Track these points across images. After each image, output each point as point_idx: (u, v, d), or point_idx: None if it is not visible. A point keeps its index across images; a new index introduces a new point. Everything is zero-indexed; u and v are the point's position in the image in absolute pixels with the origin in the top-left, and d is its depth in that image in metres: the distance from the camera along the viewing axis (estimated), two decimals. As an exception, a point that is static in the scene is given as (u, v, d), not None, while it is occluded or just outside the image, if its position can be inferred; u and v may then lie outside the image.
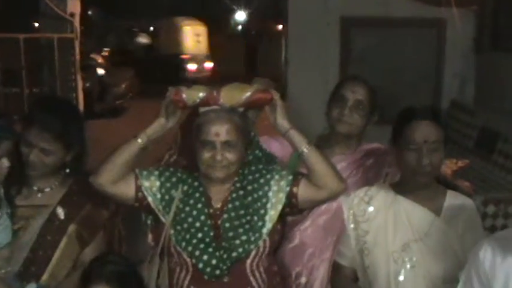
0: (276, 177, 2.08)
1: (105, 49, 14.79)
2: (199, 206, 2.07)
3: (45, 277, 2.16)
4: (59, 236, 2.19)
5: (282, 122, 2.03)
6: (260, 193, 2.07)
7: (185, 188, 2.10)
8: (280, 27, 14.82)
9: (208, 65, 16.80)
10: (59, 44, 6.37)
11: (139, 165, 2.11)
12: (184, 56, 16.12)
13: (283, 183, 2.06)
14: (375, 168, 2.41)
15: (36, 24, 7.80)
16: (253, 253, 2.03)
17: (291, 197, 2.05)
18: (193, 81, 13.34)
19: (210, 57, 16.94)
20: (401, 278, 2.07)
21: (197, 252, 2.01)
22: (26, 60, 6.28)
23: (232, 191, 2.09)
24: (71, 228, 2.21)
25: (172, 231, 2.05)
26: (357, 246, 2.18)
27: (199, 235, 2.03)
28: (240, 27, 23.56)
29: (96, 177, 2.04)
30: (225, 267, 2.00)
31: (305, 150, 2.01)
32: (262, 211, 2.05)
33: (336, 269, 2.27)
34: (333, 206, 2.30)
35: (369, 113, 2.40)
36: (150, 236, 2.17)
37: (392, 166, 2.31)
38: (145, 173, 2.09)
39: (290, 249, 2.35)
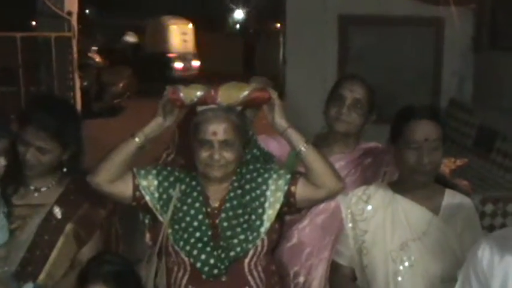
0: (274, 176, 2.08)
1: (93, 48, 14.83)
2: (197, 205, 2.06)
3: (42, 277, 2.15)
4: (56, 236, 2.18)
5: (280, 120, 2.03)
6: (258, 192, 2.07)
7: (183, 187, 2.09)
8: (278, 25, 14.80)
9: (196, 63, 16.97)
10: (56, 42, 6.33)
11: (137, 164, 2.11)
12: (171, 55, 16.27)
13: (281, 182, 2.06)
14: (373, 167, 2.40)
15: (34, 23, 7.78)
16: (251, 252, 2.03)
17: (289, 196, 2.05)
18: (180, 79, 13.44)
19: (197, 55, 17.14)
20: (399, 277, 2.06)
21: (195, 252, 2.01)
22: (23, 59, 6.25)
23: (230, 190, 2.08)
24: (68, 227, 2.20)
25: (170, 231, 2.05)
26: (355, 245, 2.17)
27: (197, 234, 2.03)
28: (238, 25, 23.55)
29: (93, 176, 2.04)
30: (223, 267, 2.00)
31: (303, 149, 2.01)
32: (260, 210, 2.05)
33: (334, 268, 2.26)
34: (331, 205, 2.29)
35: (367, 111, 2.40)
36: (147, 235, 2.17)
37: (391, 165, 2.31)
38: (143, 172, 2.09)
39: (288, 248, 2.34)
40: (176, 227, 2.04)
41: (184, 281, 2.05)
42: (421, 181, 2.11)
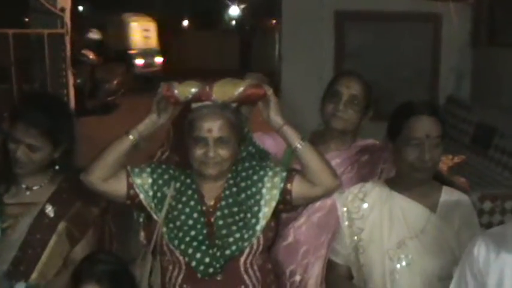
0: (270, 173, 2.06)
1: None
2: (192, 203, 2.05)
3: (34, 276, 2.14)
4: (48, 234, 2.16)
5: (276, 117, 2.01)
6: (254, 190, 2.05)
7: (177, 185, 2.08)
8: (274, 22, 14.81)
9: (159, 59, 17.24)
10: (49, 39, 6.31)
11: (131, 162, 2.09)
12: (132, 52, 16.45)
13: (277, 179, 2.05)
14: (370, 164, 2.39)
15: (26, 20, 7.74)
16: (246, 251, 2.02)
17: (285, 193, 2.04)
18: (141, 76, 14.68)
19: (160, 52, 17.45)
20: (396, 275, 2.05)
21: (190, 250, 2.00)
22: (16, 56, 6.21)
23: (226, 188, 2.07)
24: (61, 226, 2.18)
25: (164, 229, 2.03)
26: (351, 243, 2.16)
27: (192, 233, 2.01)
28: (234, 22, 23.56)
29: (87, 174, 2.02)
30: (218, 266, 1.99)
31: (299, 146, 2.00)
32: (255, 208, 2.03)
33: (330, 267, 2.25)
34: (327, 203, 2.28)
35: (364, 108, 2.38)
36: (142, 234, 2.16)
37: (388, 162, 2.30)
38: (137, 170, 2.07)
39: (284, 246, 2.33)
40: (171, 225, 2.03)
41: (179, 280, 2.03)
42: (420, 178, 2.09)
